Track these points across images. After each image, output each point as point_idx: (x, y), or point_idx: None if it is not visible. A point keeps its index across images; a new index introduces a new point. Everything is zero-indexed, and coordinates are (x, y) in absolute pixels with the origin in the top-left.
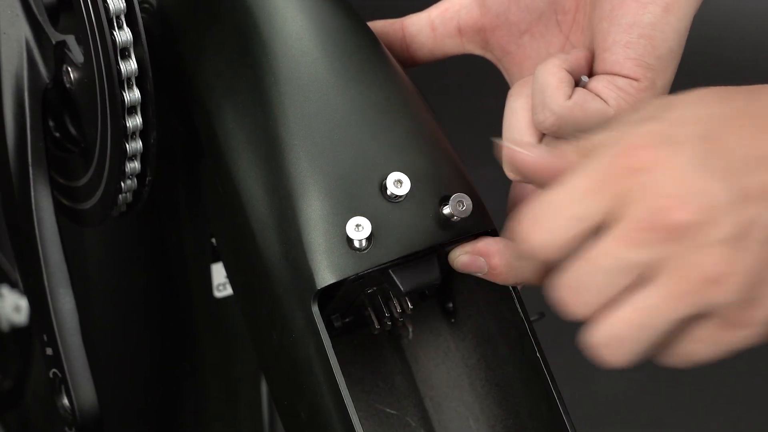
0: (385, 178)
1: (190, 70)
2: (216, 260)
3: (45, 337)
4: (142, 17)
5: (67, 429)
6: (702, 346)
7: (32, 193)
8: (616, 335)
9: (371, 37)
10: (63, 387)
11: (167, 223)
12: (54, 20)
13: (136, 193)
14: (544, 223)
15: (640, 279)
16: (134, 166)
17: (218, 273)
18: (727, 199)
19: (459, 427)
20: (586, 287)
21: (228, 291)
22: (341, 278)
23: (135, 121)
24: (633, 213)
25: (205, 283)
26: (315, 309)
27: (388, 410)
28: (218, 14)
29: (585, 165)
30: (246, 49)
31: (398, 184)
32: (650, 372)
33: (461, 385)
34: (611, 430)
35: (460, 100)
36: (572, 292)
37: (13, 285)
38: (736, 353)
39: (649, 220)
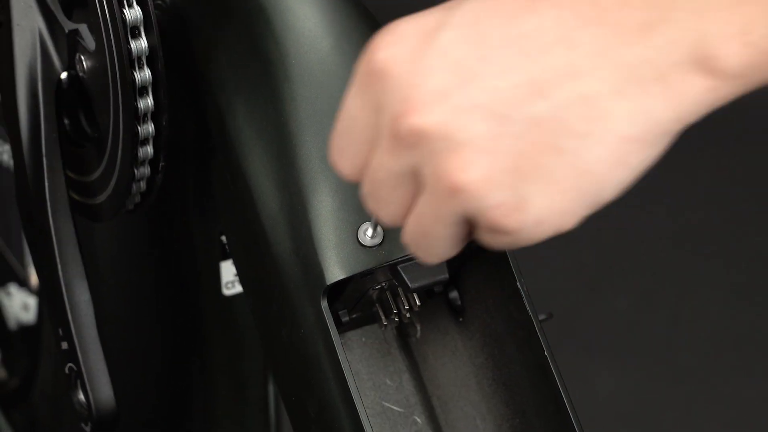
0: None
1: (202, 65)
2: (225, 258)
3: (60, 331)
4: (155, 13)
5: (83, 425)
6: (488, 239)
7: (46, 184)
8: (414, 238)
9: None
10: (79, 382)
11: (177, 221)
12: (68, 14)
13: (149, 180)
14: (338, 149)
15: (419, 184)
16: (147, 150)
17: (227, 271)
18: (475, 95)
19: (466, 425)
20: (379, 199)
21: (237, 289)
22: (351, 274)
23: (147, 103)
24: (383, 121)
25: (214, 281)
26: (325, 305)
27: (395, 408)
28: (230, 10)
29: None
30: (258, 44)
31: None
32: (650, 372)
33: (468, 384)
34: (611, 430)
35: None
36: (375, 205)
37: (22, 283)
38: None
39: (392, 127)
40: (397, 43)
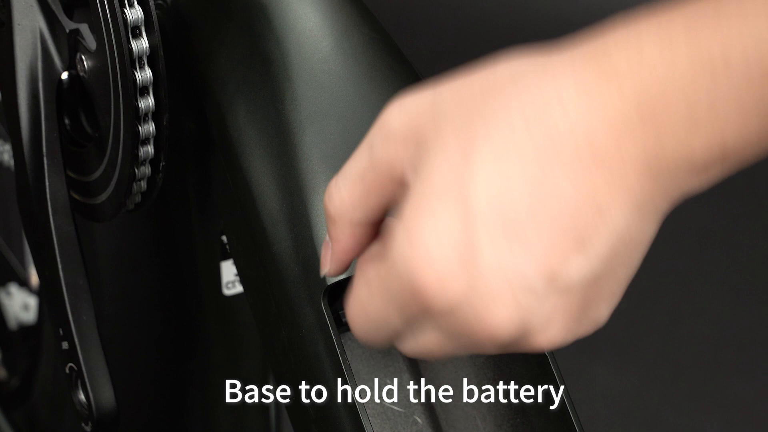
0: None
1: (203, 65)
2: (225, 258)
3: (60, 331)
4: (155, 13)
5: (83, 425)
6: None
7: (47, 184)
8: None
9: (383, 33)
10: (79, 381)
11: (177, 221)
12: (69, 14)
13: (150, 180)
14: (360, 325)
15: None
16: (148, 150)
17: (227, 270)
18: (540, 284)
19: (466, 425)
20: (438, 354)
21: (237, 289)
22: (351, 274)
23: (147, 102)
24: (449, 327)
25: (215, 281)
26: (325, 305)
27: (395, 408)
28: (231, 10)
29: (380, 283)
30: (259, 44)
31: None
32: (650, 372)
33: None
34: (611, 430)
35: None
36: (423, 353)
37: (22, 283)
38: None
39: (471, 333)
40: (439, 263)
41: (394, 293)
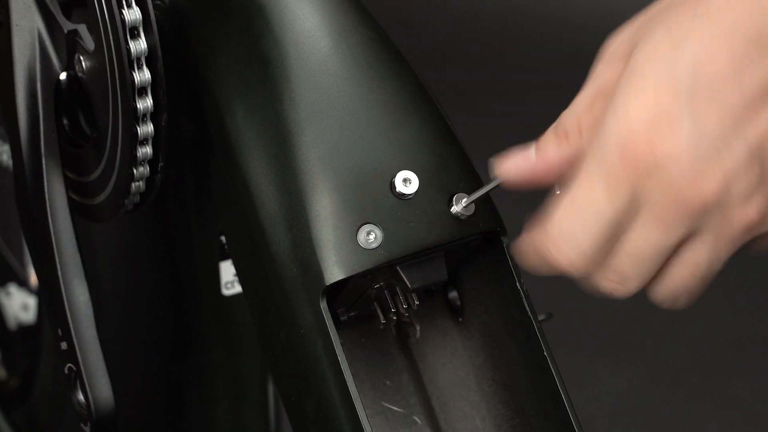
0: (394, 176)
1: (202, 66)
2: (224, 258)
3: (59, 332)
4: (154, 14)
5: (82, 425)
6: (696, 267)
7: (45, 184)
8: (680, 289)
9: (382, 33)
10: (78, 382)
11: (176, 221)
12: (67, 14)
13: (148, 180)
14: (569, 237)
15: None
16: (146, 150)
17: (227, 271)
18: (739, 156)
19: (465, 425)
20: (633, 276)
21: (236, 289)
22: (350, 274)
23: (146, 103)
24: (656, 199)
25: (214, 281)
26: (323, 305)
27: (394, 408)
28: (230, 10)
29: (588, 165)
30: (257, 45)
31: (407, 182)
32: (650, 372)
33: (468, 385)
34: (610, 430)
35: (469, 97)
36: (618, 283)
37: (21, 283)
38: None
39: (674, 202)
40: (665, 130)
41: (605, 168)
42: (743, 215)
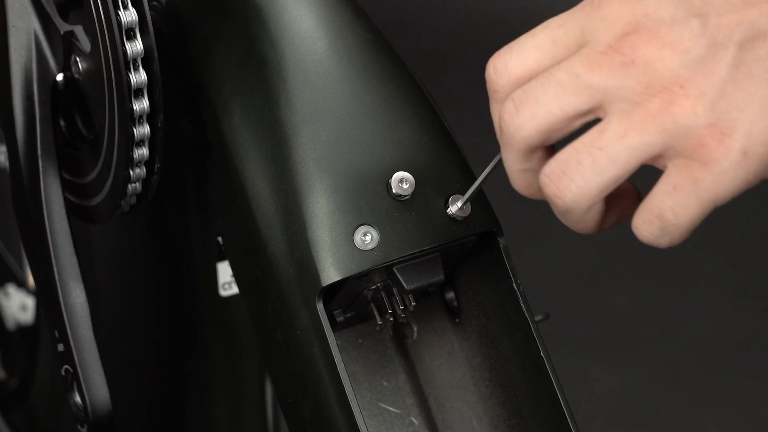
0: (391, 177)
1: (199, 67)
2: (222, 259)
3: (56, 333)
4: (150, 15)
5: (79, 426)
6: (675, 198)
7: (42, 186)
8: (572, 163)
9: (378, 34)
10: (75, 383)
11: (173, 222)
12: (63, 16)
13: (145, 182)
14: (518, 48)
15: (599, 110)
16: (142, 152)
17: (224, 272)
18: (697, 28)
19: (462, 426)
20: (541, 100)
21: (233, 290)
22: (346, 276)
23: (142, 104)
24: (597, 40)
25: (211, 282)
26: (320, 306)
27: (391, 409)
28: (227, 11)
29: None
30: (253, 46)
31: (403, 183)
32: (649, 372)
33: (465, 385)
34: (611, 430)
35: (466, 97)
36: (530, 109)
37: (20, 284)
38: (716, 208)
39: (609, 45)
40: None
41: (586, 27)
42: (676, 83)
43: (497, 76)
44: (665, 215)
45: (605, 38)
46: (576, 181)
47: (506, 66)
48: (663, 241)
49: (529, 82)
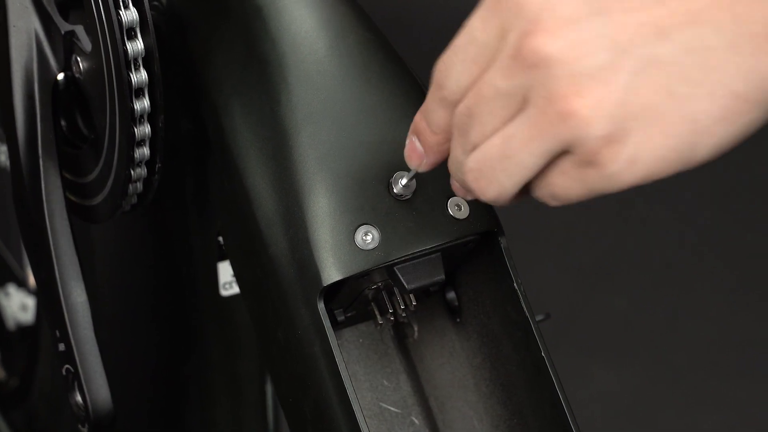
0: (392, 177)
1: (199, 67)
2: (222, 258)
3: (57, 333)
4: (151, 14)
5: (79, 426)
6: (566, 181)
7: (43, 185)
8: (486, 163)
9: (379, 34)
10: (76, 383)
11: (174, 222)
12: (64, 16)
13: (146, 182)
14: (448, 64)
15: (520, 107)
16: (143, 151)
17: (224, 271)
18: (600, 27)
19: (463, 426)
20: (475, 117)
21: (234, 290)
22: (347, 275)
23: (143, 104)
24: (505, 42)
25: (212, 282)
26: (321, 306)
27: (392, 409)
28: (227, 11)
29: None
30: (254, 46)
31: (404, 183)
32: (649, 372)
33: (466, 385)
34: (610, 431)
35: None
36: (466, 124)
37: (20, 284)
38: (601, 195)
39: (515, 46)
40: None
41: (501, 24)
42: (573, 92)
43: (447, 80)
44: (555, 190)
45: (513, 38)
46: (493, 184)
47: (455, 77)
48: (554, 203)
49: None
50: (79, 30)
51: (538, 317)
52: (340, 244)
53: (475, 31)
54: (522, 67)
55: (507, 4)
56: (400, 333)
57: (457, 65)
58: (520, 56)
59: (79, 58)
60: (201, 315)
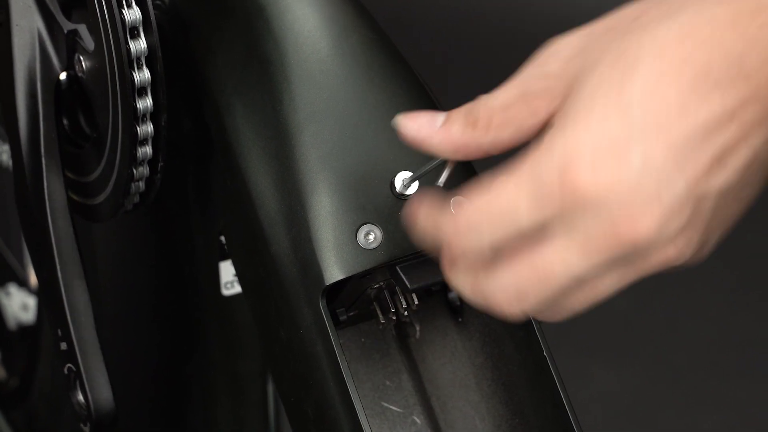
0: (394, 177)
1: (202, 65)
2: (224, 258)
3: (59, 332)
4: (154, 13)
5: (81, 425)
6: (596, 295)
7: (45, 184)
8: (523, 296)
9: (382, 34)
10: (78, 382)
11: (176, 221)
12: (67, 15)
13: (148, 181)
14: (479, 229)
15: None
16: (146, 150)
17: (226, 271)
18: (677, 196)
19: (465, 425)
20: (533, 294)
21: (236, 289)
22: (349, 275)
23: (145, 103)
24: (586, 227)
25: (214, 281)
26: (323, 305)
27: (394, 408)
28: (229, 10)
29: (520, 174)
30: (257, 45)
31: (407, 182)
32: (649, 372)
33: (467, 385)
34: (610, 430)
35: (469, 97)
36: (514, 299)
37: (21, 283)
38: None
39: (606, 235)
40: (611, 161)
41: (539, 183)
42: (662, 254)
43: (462, 252)
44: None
45: (594, 229)
46: (529, 304)
47: (477, 241)
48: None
49: (510, 272)
50: (82, 29)
51: None
52: (342, 243)
53: (519, 211)
54: (615, 250)
55: (576, 209)
56: (402, 332)
57: (485, 236)
58: (606, 239)
59: (81, 57)
60: (203, 314)
